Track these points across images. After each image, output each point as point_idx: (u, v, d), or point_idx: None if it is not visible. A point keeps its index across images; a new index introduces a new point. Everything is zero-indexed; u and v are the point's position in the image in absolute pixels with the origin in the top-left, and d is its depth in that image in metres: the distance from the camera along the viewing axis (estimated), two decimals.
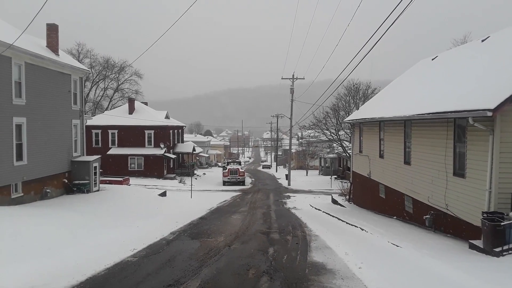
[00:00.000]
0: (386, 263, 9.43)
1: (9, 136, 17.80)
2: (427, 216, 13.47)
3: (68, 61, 23.71)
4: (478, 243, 9.87)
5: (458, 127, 11.77)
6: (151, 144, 49.09)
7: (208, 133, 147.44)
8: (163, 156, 48.18)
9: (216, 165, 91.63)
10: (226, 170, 47.37)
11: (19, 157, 18.57)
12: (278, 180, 55.45)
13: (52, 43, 22.84)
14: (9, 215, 13.84)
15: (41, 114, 20.38)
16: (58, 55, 22.79)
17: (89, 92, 62.50)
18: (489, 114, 9.32)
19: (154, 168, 48.12)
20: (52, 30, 23.10)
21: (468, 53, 16.20)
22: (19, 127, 18.56)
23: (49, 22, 23.28)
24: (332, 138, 47.93)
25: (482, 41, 15.48)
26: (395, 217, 17.17)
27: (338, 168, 56.38)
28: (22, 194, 18.93)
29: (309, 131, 52.95)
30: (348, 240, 12.42)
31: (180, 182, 45.89)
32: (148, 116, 49.56)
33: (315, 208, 24.05)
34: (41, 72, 20.31)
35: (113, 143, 48.89)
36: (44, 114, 20.68)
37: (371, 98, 35.82)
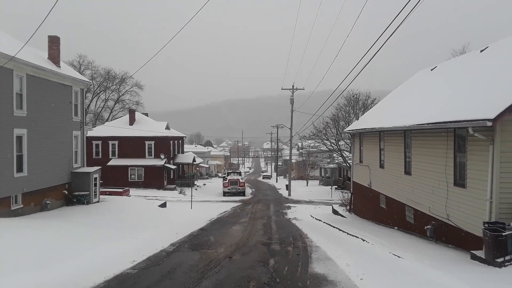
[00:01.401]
0: (387, 274, 9.36)
1: (10, 148, 17.82)
2: (428, 226, 13.41)
3: (69, 73, 23.84)
4: (480, 253, 9.81)
5: (458, 137, 11.78)
6: (151, 155, 49.08)
7: (208, 143, 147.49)
8: (163, 167, 48.13)
9: (216, 175, 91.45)
10: (227, 181, 47.27)
11: (20, 168, 18.57)
12: (279, 190, 55.31)
13: (54, 54, 22.99)
14: (8, 227, 13.80)
15: (42, 126, 20.43)
16: (60, 66, 22.93)
17: (90, 103, 62.73)
18: (489, 124, 9.33)
19: (154, 179, 48.02)
20: (53, 42, 23.27)
21: (467, 63, 16.29)
22: (19, 138, 18.59)
23: (50, 34, 23.45)
24: (332, 148, 47.94)
25: (481, 51, 15.59)
26: (396, 227, 17.09)
27: (339, 178, 56.28)
28: (22, 205, 18.88)
29: (309, 141, 53.02)
30: (349, 251, 12.35)
31: (180, 193, 45.77)
32: (148, 127, 49.63)
33: (316, 218, 23.95)
34: (42, 84, 20.41)
35: (113, 154, 48.88)
36: (45, 126, 20.72)
37: (371, 108, 35.94)
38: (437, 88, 16.92)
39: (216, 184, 59.41)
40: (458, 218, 11.82)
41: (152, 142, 49.07)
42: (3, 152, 17.33)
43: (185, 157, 57.06)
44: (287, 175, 62.87)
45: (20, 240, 12.02)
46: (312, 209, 31.29)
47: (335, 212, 26.79)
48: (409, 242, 13.48)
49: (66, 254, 11.18)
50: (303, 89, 46.89)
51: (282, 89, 48.60)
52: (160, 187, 47.77)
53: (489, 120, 9.31)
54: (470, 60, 16.28)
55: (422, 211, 14.40)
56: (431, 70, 20.20)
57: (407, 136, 15.83)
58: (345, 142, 45.63)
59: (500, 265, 8.86)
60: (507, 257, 8.88)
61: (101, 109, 67.41)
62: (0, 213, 16.94)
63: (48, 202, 20.91)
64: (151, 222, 19.95)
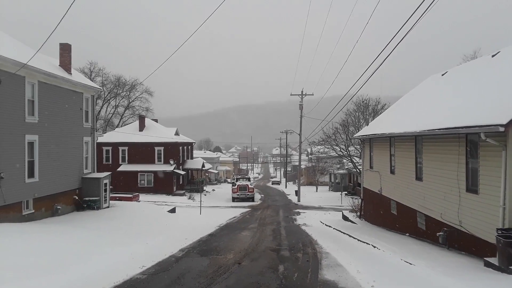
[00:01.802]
0: (399, 281, 9.23)
1: (22, 154, 18.03)
2: (440, 233, 13.22)
3: (80, 80, 24.13)
4: (494, 260, 9.63)
5: (470, 142, 11.63)
6: (160, 161, 49.32)
7: (217, 149, 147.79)
8: (172, 172, 48.31)
9: (225, 181, 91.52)
10: (236, 186, 47.25)
11: (31, 174, 18.77)
12: (288, 196, 55.11)
13: (65, 62, 23.30)
14: (20, 232, 13.93)
15: (53, 132, 20.66)
16: (71, 73, 23.22)
17: (100, 110, 63.37)
18: (501, 129, 9.20)
19: (163, 184, 48.21)
20: (65, 50, 23.60)
21: (478, 68, 16.12)
22: (31, 144, 18.81)
23: (62, 42, 23.79)
24: (342, 154, 47.66)
25: (493, 56, 15.41)
26: (407, 234, 16.88)
27: (349, 184, 55.92)
28: (33, 211, 19.06)
29: (319, 147, 52.75)
30: (360, 257, 12.21)
31: (189, 198, 45.85)
32: (158, 133, 49.92)
33: (326, 224, 23.77)
34: (53, 91, 20.67)
35: (123, 160, 49.22)
36: (56, 132, 20.95)
37: (380, 113, 35.70)
38: (448, 93, 16.76)
39: (225, 190, 59.42)
40: (470, 224, 11.63)
41: (162, 148, 49.32)
42: (14, 158, 17.54)
43: (194, 163, 57.22)
44: (296, 180, 62.65)
45: (30, 245, 12.11)
46: (322, 215, 31.10)
47: (345, 218, 26.58)
48: (421, 249, 13.30)
49: (75, 259, 11.23)
50: (312, 94, 46.87)
51: (291, 94, 48.63)
52: (170, 192, 47.92)
53: (501, 125, 9.18)
54: (481, 65, 16.11)
55: (434, 217, 14.20)
56: (442, 75, 20.02)
57: (418, 141, 15.68)
58: (355, 147, 45.35)
59: None
60: None
61: (112, 115, 68.11)
62: (11, 218, 17.12)
63: (58, 207, 21.09)
64: (160, 227, 19.98)
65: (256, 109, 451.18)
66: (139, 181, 48.30)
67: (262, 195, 56.49)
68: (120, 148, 49.12)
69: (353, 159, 45.56)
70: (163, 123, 60.04)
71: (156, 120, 57.89)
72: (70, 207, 22.58)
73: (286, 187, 72.49)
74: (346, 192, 50.28)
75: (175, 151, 50.22)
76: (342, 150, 46.90)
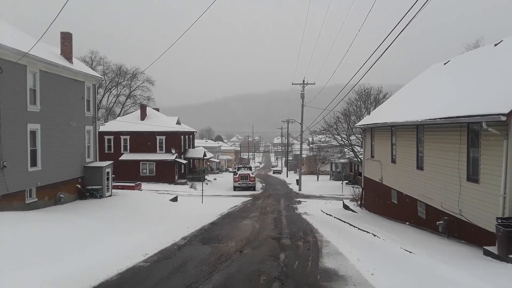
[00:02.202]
0: (399, 269, 9.33)
1: (24, 142, 18.11)
2: (440, 222, 13.30)
3: (81, 69, 24.08)
4: (493, 249, 9.72)
5: (472, 131, 11.64)
6: (162, 150, 49.44)
7: (218, 138, 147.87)
8: (174, 161, 48.45)
9: (226, 170, 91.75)
10: (237, 176, 47.41)
11: (33, 163, 18.87)
12: (289, 185, 55.31)
13: (66, 51, 23.23)
14: (23, 220, 14.07)
15: (55, 121, 20.70)
16: (72, 62, 23.17)
17: (102, 99, 63.32)
18: (503, 118, 9.19)
19: (165, 173, 48.40)
20: (66, 38, 23.51)
21: (481, 57, 16.04)
22: (33, 133, 18.87)
23: (63, 31, 23.68)
24: (343, 143, 47.70)
25: (495, 45, 15.32)
26: (407, 223, 16.99)
27: (350, 173, 56.04)
28: (36, 199, 19.20)
29: (320, 136, 52.77)
30: (360, 246, 12.32)
31: (191, 187, 46.07)
32: (159, 122, 49.94)
33: (326, 213, 23.92)
34: (55, 80, 20.66)
35: (125, 149, 49.34)
36: (58, 121, 21.00)
37: (382, 103, 35.64)
38: (450, 82, 16.71)
39: (226, 179, 59.65)
40: (470, 213, 11.70)
41: (163, 137, 49.39)
42: (17, 147, 17.61)
43: (196, 152, 57.34)
44: (297, 169, 62.76)
45: (34, 233, 12.24)
46: (323, 204, 31.25)
47: (346, 207, 26.72)
48: (421, 238, 13.40)
49: (78, 247, 11.36)
50: (314, 83, 46.68)
51: (292, 84, 48.45)
52: (171, 181, 48.14)
53: (503, 114, 9.17)
54: (484, 54, 16.02)
55: (434, 206, 14.28)
56: (444, 64, 19.93)
57: (420, 130, 15.68)
58: (356, 137, 45.36)
59: None
60: None
61: (113, 104, 68.07)
62: (15, 206, 17.27)
63: (61, 196, 21.24)
64: (162, 216, 20.15)
65: (258, 98, 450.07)
66: (141, 170, 48.49)
67: (263, 184, 56.69)
68: (122, 137, 49.22)
69: (354, 148, 45.61)
70: (165, 112, 60.01)
71: (157, 109, 57.84)
72: (73, 196, 22.74)
73: (287, 176, 72.68)
74: (347, 181, 50.41)
75: (177, 140, 50.29)
76: (343, 139, 46.93)
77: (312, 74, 46.48)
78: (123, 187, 32.39)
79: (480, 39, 46.90)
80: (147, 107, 54.41)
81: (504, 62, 13.19)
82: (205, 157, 58.35)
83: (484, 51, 16.80)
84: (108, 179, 25.03)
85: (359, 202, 26.42)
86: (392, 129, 19.01)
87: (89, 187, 23.73)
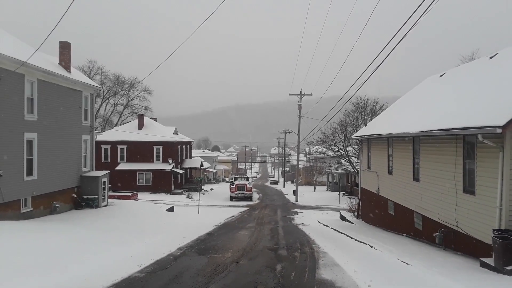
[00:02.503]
0: (396, 281, 9.30)
1: (20, 151, 18.05)
2: (437, 233, 13.30)
3: (79, 78, 24.13)
4: (490, 261, 9.71)
5: (468, 143, 11.71)
6: (159, 160, 49.35)
7: (216, 148, 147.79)
8: (171, 171, 48.33)
9: (223, 180, 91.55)
10: (234, 186, 47.30)
11: (30, 172, 18.78)
12: (286, 195, 55.19)
13: (64, 60, 23.29)
14: (18, 230, 13.95)
15: (52, 130, 20.67)
16: (70, 72, 23.22)
17: (99, 108, 63.36)
18: (499, 130, 9.27)
19: (162, 183, 48.25)
20: (64, 48, 23.59)
21: (476, 70, 16.20)
22: (30, 142, 18.82)
23: (61, 40, 23.77)
24: (340, 154, 47.75)
25: (491, 57, 15.49)
26: (404, 234, 16.97)
27: (346, 184, 56.03)
28: (32, 208, 19.07)
29: (317, 147, 52.84)
30: (357, 257, 12.28)
31: (187, 197, 45.89)
32: (157, 131, 49.94)
33: (323, 224, 23.85)
34: (53, 89, 20.68)
35: (122, 159, 49.23)
36: (55, 130, 20.96)
37: (379, 114, 35.79)
38: (446, 94, 16.84)
39: (223, 189, 59.47)
40: (467, 225, 11.71)
41: (160, 147, 49.34)
42: (13, 156, 17.55)
43: (193, 162, 57.25)
44: (294, 180, 62.73)
45: (28, 243, 12.13)
46: (320, 215, 31.18)
47: (342, 218, 26.66)
48: (418, 249, 13.38)
49: (74, 257, 11.27)
50: (311, 94, 46.97)
51: (290, 94, 48.71)
52: (168, 191, 47.95)
53: (498, 127, 9.25)
54: (479, 67, 16.19)
55: (430, 217, 14.29)
56: (440, 76, 20.11)
57: (416, 142, 15.76)
58: (353, 148, 45.43)
59: (510, 273, 8.77)
60: None
61: (110, 114, 68.07)
62: (10, 215, 17.14)
63: (57, 205, 21.10)
64: (158, 226, 20.02)
65: (255, 108, 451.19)
66: (137, 180, 48.33)
67: (260, 195, 56.55)
68: (119, 147, 49.14)
69: (351, 159, 45.67)
70: (162, 122, 60.04)
71: (155, 119, 57.89)
72: (68, 205, 22.60)
73: (284, 187, 72.57)
74: (343, 192, 50.38)
75: (174, 150, 50.24)
76: (340, 150, 47.01)
77: (310, 85, 46.77)
78: (119, 197, 32.21)
79: (475, 52, 47.50)
80: (144, 117, 54.45)
81: (499, 74, 13.33)
82: (202, 167, 58.25)
83: (479, 63, 16.97)
84: (104, 188, 24.91)
85: (356, 213, 26.38)
86: (389, 140, 19.09)
87: (85, 197, 23.60)
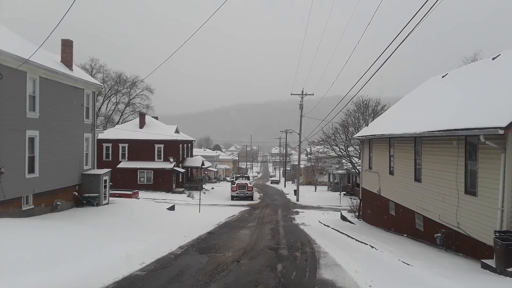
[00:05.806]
0: (396, 281, 9.29)
1: (22, 149, 18.07)
2: (438, 234, 13.29)
3: (81, 76, 24.14)
4: (491, 262, 9.70)
5: (469, 144, 11.69)
6: (160, 158, 49.38)
7: (217, 147, 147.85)
8: (172, 170, 48.36)
9: (224, 179, 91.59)
10: (235, 185, 47.32)
11: (31, 169, 18.81)
12: (287, 195, 55.18)
13: (66, 58, 23.31)
14: (19, 227, 13.98)
15: (54, 128, 20.69)
16: (72, 70, 23.23)
17: (101, 106, 63.39)
18: (501, 132, 9.25)
19: (163, 182, 48.28)
20: (66, 46, 23.61)
21: (479, 71, 16.17)
22: (32, 140, 18.84)
23: (64, 38, 23.78)
24: (341, 154, 47.72)
25: (493, 59, 15.46)
26: (405, 234, 16.95)
27: (347, 184, 55.99)
28: (33, 206, 19.10)
29: (318, 146, 52.78)
30: (358, 257, 12.27)
31: (188, 196, 45.90)
32: (158, 130, 49.98)
33: (324, 224, 23.84)
34: (54, 86, 20.70)
35: (123, 157, 49.26)
36: (57, 128, 20.99)
37: (380, 114, 35.76)
38: (448, 95, 16.81)
39: (224, 188, 59.49)
40: (468, 226, 11.70)
41: (162, 146, 49.37)
42: (15, 154, 17.57)
43: (194, 161, 57.26)
44: (295, 180, 62.71)
45: (29, 240, 12.16)
46: (321, 215, 31.17)
47: (343, 218, 26.65)
48: (418, 250, 13.37)
49: (75, 255, 11.28)
50: (313, 94, 46.91)
51: (291, 94, 48.68)
52: (169, 190, 47.99)
53: (501, 128, 9.23)
54: (482, 68, 16.16)
55: (432, 218, 14.27)
56: (442, 77, 20.08)
57: (418, 143, 15.74)
58: (354, 148, 45.40)
59: (511, 274, 8.75)
60: None
61: (112, 112, 68.13)
62: (11, 213, 17.17)
63: (58, 203, 21.13)
64: (159, 224, 20.03)
65: (256, 108, 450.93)
66: (138, 178, 48.37)
67: (261, 194, 56.55)
68: (120, 145, 49.17)
69: (352, 160, 45.64)
70: (164, 121, 60.06)
71: (156, 118, 57.89)
72: (69, 203, 22.63)
73: (285, 187, 72.56)
74: (344, 192, 50.35)
75: (175, 149, 50.26)
76: (341, 150, 46.97)
77: (311, 84, 46.71)
78: (120, 195, 32.24)
79: (478, 53, 47.44)
80: (146, 115, 54.47)
81: (502, 75, 13.30)
82: (203, 166, 58.27)
83: (482, 64, 16.94)
84: (105, 187, 24.94)
85: (357, 213, 26.37)
86: (390, 141, 19.07)
87: (86, 195, 23.63)
